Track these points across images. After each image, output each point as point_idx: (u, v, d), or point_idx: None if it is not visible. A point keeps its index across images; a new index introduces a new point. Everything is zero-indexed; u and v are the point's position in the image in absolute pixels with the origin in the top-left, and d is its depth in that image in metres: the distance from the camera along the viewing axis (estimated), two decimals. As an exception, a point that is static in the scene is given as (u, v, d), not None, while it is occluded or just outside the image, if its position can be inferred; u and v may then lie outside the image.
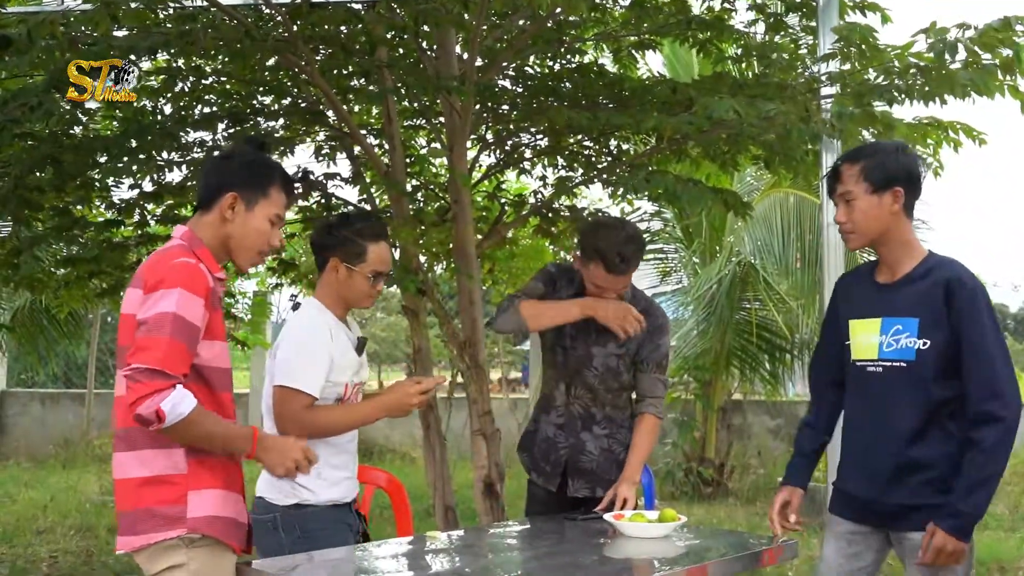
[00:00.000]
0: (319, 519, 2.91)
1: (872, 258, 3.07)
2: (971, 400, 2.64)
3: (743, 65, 5.54)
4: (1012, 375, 2.64)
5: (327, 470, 2.95)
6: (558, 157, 6.22)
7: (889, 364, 2.74)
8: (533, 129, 5.79)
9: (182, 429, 2.28)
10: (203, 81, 5.45)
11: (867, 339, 2.79)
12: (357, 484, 3.15)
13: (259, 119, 5.72)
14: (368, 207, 5.92)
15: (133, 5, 4.07)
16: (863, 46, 4.12)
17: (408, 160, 5.96)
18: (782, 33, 5.42)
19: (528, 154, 6.33)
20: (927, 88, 4.13)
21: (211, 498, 2.40)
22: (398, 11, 4.77)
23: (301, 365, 2.86)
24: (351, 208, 5.85)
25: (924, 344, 2.68)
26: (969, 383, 2.64)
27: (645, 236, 7.51)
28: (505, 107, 5.68)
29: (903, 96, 4.18)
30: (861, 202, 2.76)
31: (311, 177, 4.07)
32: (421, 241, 6.13)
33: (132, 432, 2.37)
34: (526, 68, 5.84)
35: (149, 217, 6.08)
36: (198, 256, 2.45)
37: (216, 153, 2.63)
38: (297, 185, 2.66)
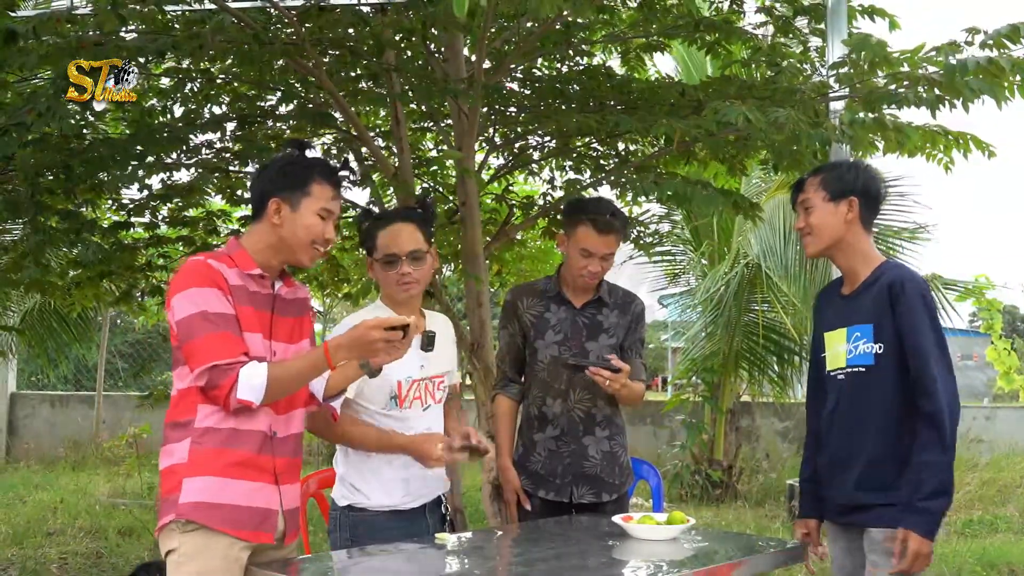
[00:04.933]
0: (370, 525, 2.88)
1: None
2: (913, 397, 2.76)
3: (752, 68, 5.54)
4: (945, 375, 2.73)
5: (385, 468, 2.93)
6: (566, 159, 6.23)
7: (851, 370, 2.88)
8: (541, 131, 5.80)
9: (272, 394, 2.41)
10: (212, 83, 5.47)
11: (837, 349, 2.93)
12: (440, 483, 3.09)
13: (267, 121, 5.74)
14: (376, 209, 5.92)
15: (139, 7, 4.09)
16: (875, 58, 4.13)
17: (415, 160, 5.95)
18: (791, 35, 5.41)
19: (536, 156, 6.33)
20: (936, 93, 4.12)
21: (203, 485, 2.42)
22: (407, 14, 4.77)
23: None
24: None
25: (880, 348, 2.82)
26: (911, 381, 2.76)
27: (654, 239, 7.54)
28: (513, 109, 5.69)
29: (911, 104, 4.18)
30: (818, 210, 2.92)
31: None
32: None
33: (166, 428, 2.50)
34: (534, 70, 5.85)
35: (159, 218, 6.10)
36: (230, 256, 2.54)
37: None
38: (343, 173, 2.71)
